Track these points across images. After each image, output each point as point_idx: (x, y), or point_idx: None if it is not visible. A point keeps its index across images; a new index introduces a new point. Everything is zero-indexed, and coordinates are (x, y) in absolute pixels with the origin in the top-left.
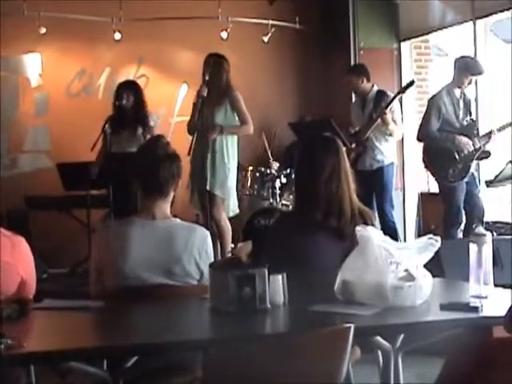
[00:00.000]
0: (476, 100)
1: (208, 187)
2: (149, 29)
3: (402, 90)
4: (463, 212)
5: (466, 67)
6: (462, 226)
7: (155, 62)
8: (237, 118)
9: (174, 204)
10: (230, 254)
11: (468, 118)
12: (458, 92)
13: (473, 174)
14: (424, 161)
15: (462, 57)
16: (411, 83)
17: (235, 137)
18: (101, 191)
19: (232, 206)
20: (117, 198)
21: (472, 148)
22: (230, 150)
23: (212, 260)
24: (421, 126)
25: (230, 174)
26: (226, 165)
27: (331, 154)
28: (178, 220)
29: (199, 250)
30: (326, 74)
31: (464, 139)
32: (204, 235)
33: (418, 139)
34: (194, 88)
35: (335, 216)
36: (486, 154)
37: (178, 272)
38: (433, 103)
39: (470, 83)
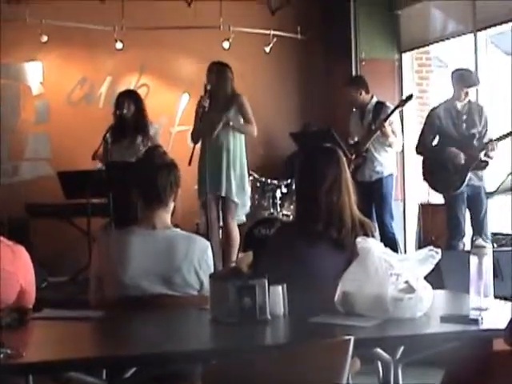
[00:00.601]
0: None
1: (224, 193)
2: (150, 38)
3: (401, 104)
4: (464, 224)
5: (460, 80)
6: (467, 238)
7: (156, 71)
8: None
9: (175, 213)
10: (233, 264)
11: (475, 129)
12: (459, 105)
13: (480, 186)
14: (423, 173)
15: (457, 70)
16: (410, 97)
17: (243, 144)
18: (102, 200)
19: (244, 213)
20: (117, 207)
21: (463, 160)
22: (240, 157)
23: (212, 270)
24: (418, 139)
25: (244, 179)
26: (241, 170)
27: (332, 164)
28: (178, 230)
29: (199, 261)
30: (328, 84)
31: (454, 151)
32: (205, 246)
33: (416, 152)
34: (195, 97)
35: (336, 227)
36: (483, 165)
37: (177, 282)
38: (428, 117)
39: (466, 95)
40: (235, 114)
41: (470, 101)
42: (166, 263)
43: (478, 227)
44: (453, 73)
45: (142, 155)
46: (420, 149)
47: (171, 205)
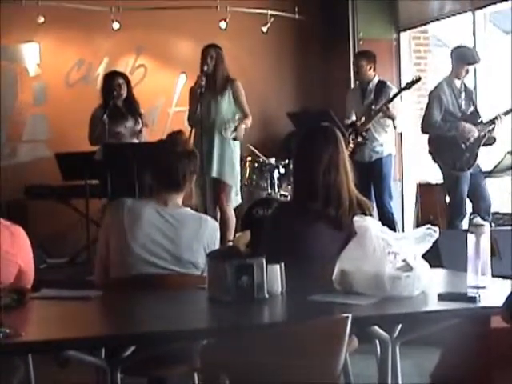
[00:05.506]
0: (475, 90)
1: (216, 175)
2: (147, 19)
3: (408, 86)
4: (467, 203)
5: (462, 57)
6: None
7: (154, 52)
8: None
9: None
10: (231, 244)
11: (471, 108)
12: (458, 83)
13: (478, 165)
14: (430, 152)
15: (458, 47)
16: (417, 80)
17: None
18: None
19: (237, 196)
20: (115, 188)
21: (477, 135)
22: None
23: None
24: (424, 118)
25: (236, 163)
26: (233, 153)
27: (330, 143)
28: (189, 209)
29: (208, 242)
30: (325, 64)
31: (468, 125)
32: (215, 227)
33: (423, 131)
34: (192, 78)
35: (333, 206)
36: (492, 140)
37: (185, 259)
38: (433, 95)
39: (467, 73)
40: (233, 101)
41: (462, 80)
42: (176, 240)
43: (485, 204)
44: (453, 50)
45: (164, 140)
46: (426, 127)
47: (185, 190)
